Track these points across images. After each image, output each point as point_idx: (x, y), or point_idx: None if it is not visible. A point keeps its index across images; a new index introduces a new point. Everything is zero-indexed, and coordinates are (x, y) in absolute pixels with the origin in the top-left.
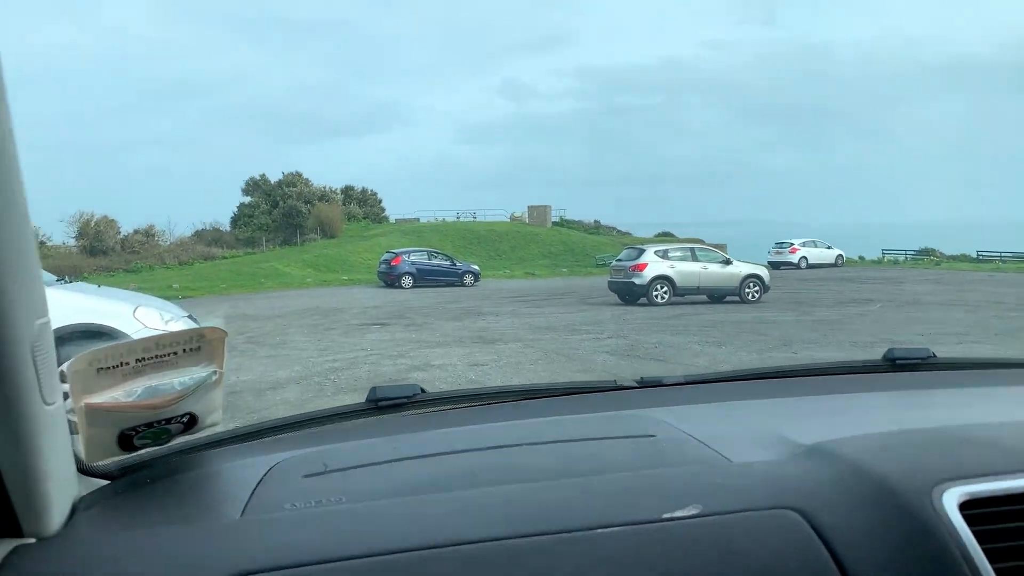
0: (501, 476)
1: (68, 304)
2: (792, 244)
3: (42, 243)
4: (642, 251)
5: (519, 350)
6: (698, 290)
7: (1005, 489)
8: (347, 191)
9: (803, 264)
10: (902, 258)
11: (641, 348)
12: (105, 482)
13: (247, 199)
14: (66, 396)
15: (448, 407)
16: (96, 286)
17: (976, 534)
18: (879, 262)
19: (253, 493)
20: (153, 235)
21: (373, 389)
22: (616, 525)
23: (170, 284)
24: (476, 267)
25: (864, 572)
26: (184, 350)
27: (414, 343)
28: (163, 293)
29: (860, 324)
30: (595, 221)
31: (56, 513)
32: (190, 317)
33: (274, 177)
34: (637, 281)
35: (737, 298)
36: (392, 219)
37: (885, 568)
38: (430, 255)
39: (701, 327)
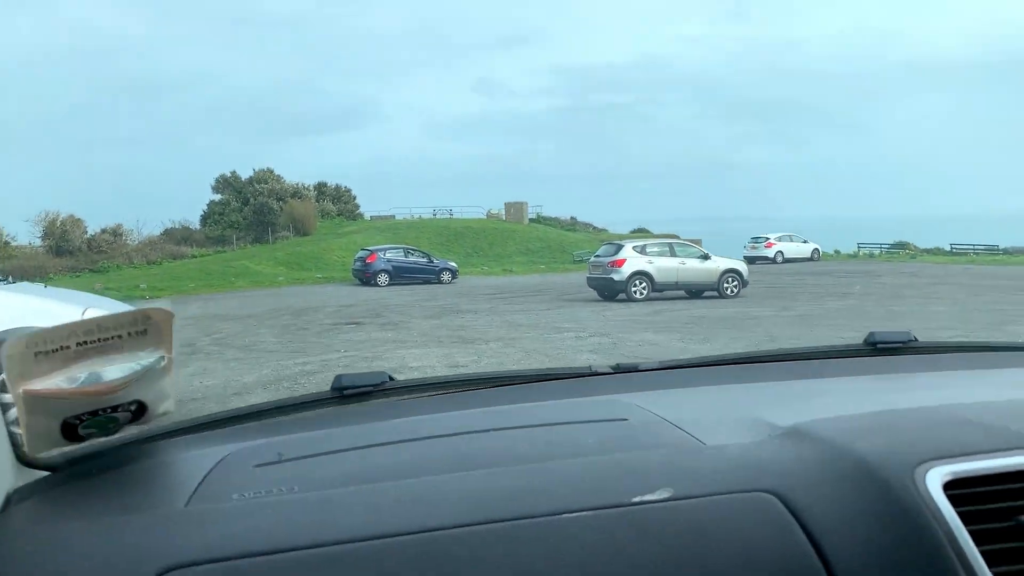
0: (465, 463)
1: (8, 305)
2: (768, 239)
3: (6, 243)
4: (620, 247)
5: (500, 349)
6: (676, 285)
7: (990, 468)
8: (320, 188)
9: (779, 259)
10: (877, 251)
11: (625, 346)
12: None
13: (217, 197)
14: (2, 385)
15: (417, 395)
16: (43, 286)
17: (961, 515)
18: (855, 256)
19: (201, 483)
20: (121, 234)
21: (338, 377)
22: (583, 510)
23: (137, 284)
24: (454, 264)
25: (843, 555)
26: (129, 333)
27: (390, 343)
28: (130, 293)
29: (844, 319)
30: (572, 217)
31: None
32: None
33: (245, 174)
34: (616, 277)
35: (715, 293)
36: (367, 216)
37: (866, 550)
38: (406, 252)
39: (684, 323)
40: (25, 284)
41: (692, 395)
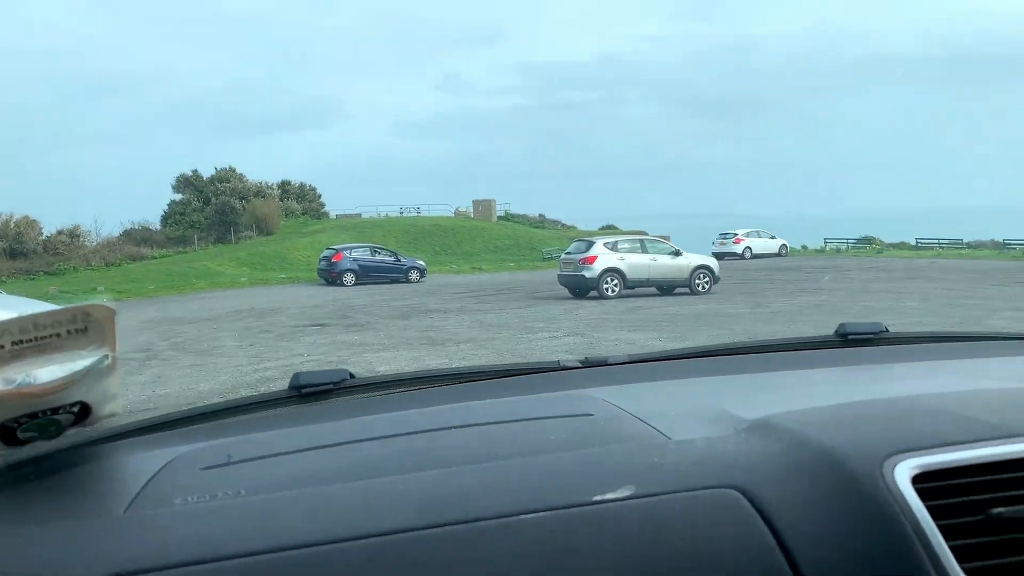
0: (421, 463)
1: None
2: (736, 235)
3: None
4: (591, 243)
5: (472, 351)
6: (648, 282)
7: (960, 460)
8: (284, 186)
9: (747, 254)
10: (844, 247)
11: (602, 347)
12: None
13: (178, 196)
14: None
15: (379, 393)
16: None
17: (930, 509)
18: (822, 251)
19: (144, 488)
20: (78, 236)
21: (296, 375)
22: (541, 510)
23: (95, 287)
24: (422, 262)
25: (808, 552)
26: (68, 331)
27: (356, 346)
28: (87, 296)
29: (821, 315)
30: (540, 215)
31: None
32: None
33: (207, 173)
34: (587, 274)
35: (687, 290)
36: (332, 215)
37: (832, 547)
38: (373, 251)
39: (658, 321)
40: None
41: (660, 389)
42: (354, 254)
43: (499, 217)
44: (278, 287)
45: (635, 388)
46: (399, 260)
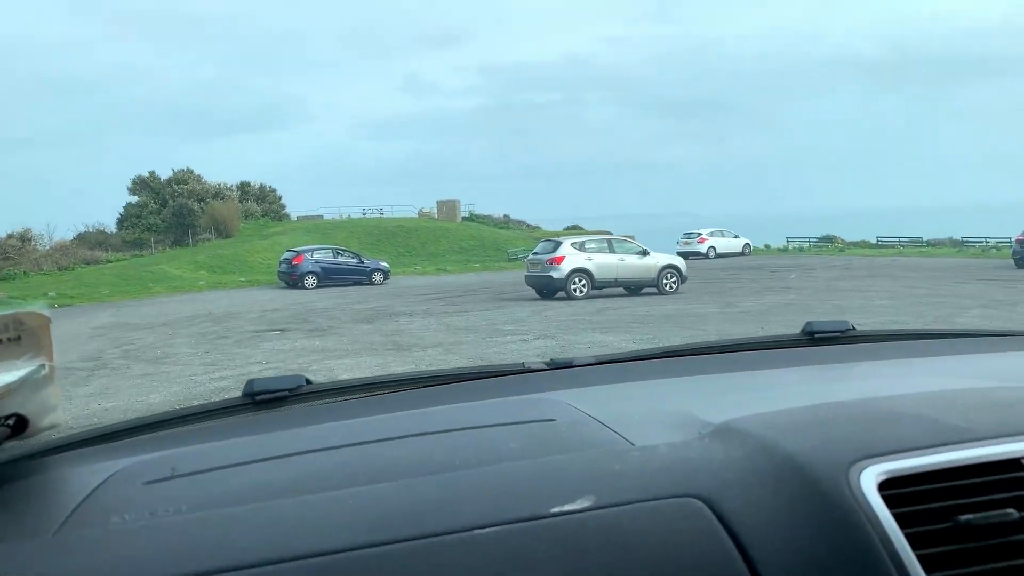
0: (376, 474)
1: None
2: (700, 234)
3: None
4: (559, 244)
5: (440, 356)
6: (616, 282)
7: (927, 465)
8: (244, 188)
9: (711, 254)
10: (806, 245)
11: (574, 349)
12: None
13: (135, 199)
14: None
15: (337, 399)
16: None
17: (896, 517)
18: (785, 250)
19: (79, 505)
20: (30, 239)
21: (250, 382)
22: (496, 524)
23: (46, 292)
24: (385, 264)
25: (771, 562)
26: None
27: (318, 352)
28: (33, 302)
29: (792, 314)
30: (505, 215)
31: None
32: None
33: (164, 175)
34: (555, 275)
35: (655, 290)
36: (293, 216)
37: (796, 557)
38: (335, 253)
39: (629, 323)
40: None
41: (626, 391)
42: (316, 256)
43: (463, 218)
44: (237, 290)
45: (601, 390)
46: (362, 262)
